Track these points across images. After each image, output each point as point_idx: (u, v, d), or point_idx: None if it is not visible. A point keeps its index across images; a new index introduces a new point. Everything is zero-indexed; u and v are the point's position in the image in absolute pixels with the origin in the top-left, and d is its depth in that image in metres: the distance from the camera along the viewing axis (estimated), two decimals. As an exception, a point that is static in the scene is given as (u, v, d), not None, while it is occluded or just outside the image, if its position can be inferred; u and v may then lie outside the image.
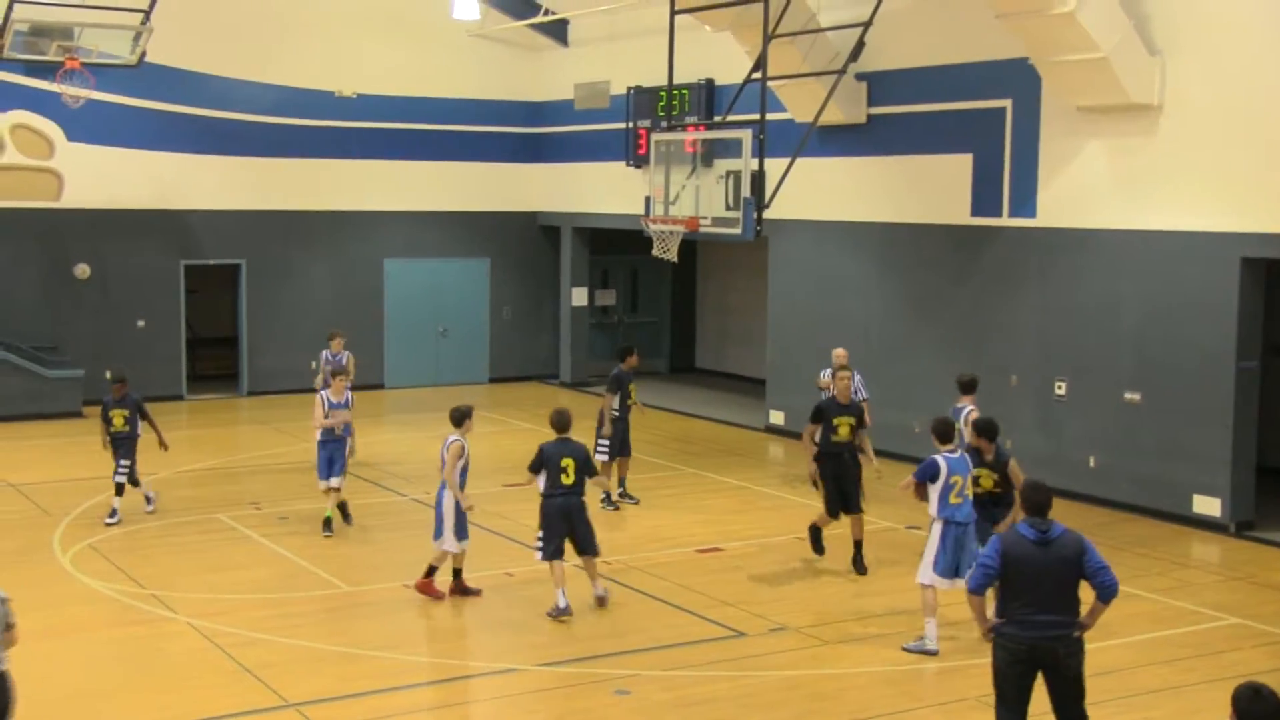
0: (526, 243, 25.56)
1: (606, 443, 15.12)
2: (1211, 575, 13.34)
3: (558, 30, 24.47)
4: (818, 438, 12.64)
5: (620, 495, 15.37)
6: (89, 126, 21.36)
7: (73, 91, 18.99)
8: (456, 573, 11.91)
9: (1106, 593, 7.61)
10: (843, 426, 12.65)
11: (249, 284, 23.15)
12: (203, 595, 11.87)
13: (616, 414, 15.24)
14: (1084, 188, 15.76)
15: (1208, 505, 14.63)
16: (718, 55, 19.68)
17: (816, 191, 18.80)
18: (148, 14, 19.17)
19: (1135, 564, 13.26)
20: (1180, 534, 14.54)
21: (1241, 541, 14.27)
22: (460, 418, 11.64)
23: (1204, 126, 14.47)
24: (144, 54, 19.70)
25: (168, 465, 16.85)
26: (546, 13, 23.54)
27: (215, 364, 24.15)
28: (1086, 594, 7.72)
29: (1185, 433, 14.80)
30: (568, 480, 11.28)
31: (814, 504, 13.67)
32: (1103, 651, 9.88)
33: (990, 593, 7.89)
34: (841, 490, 12.67)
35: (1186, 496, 14.80)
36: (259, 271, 23.18)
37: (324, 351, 17.19)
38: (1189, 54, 14.53)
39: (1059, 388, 16.03)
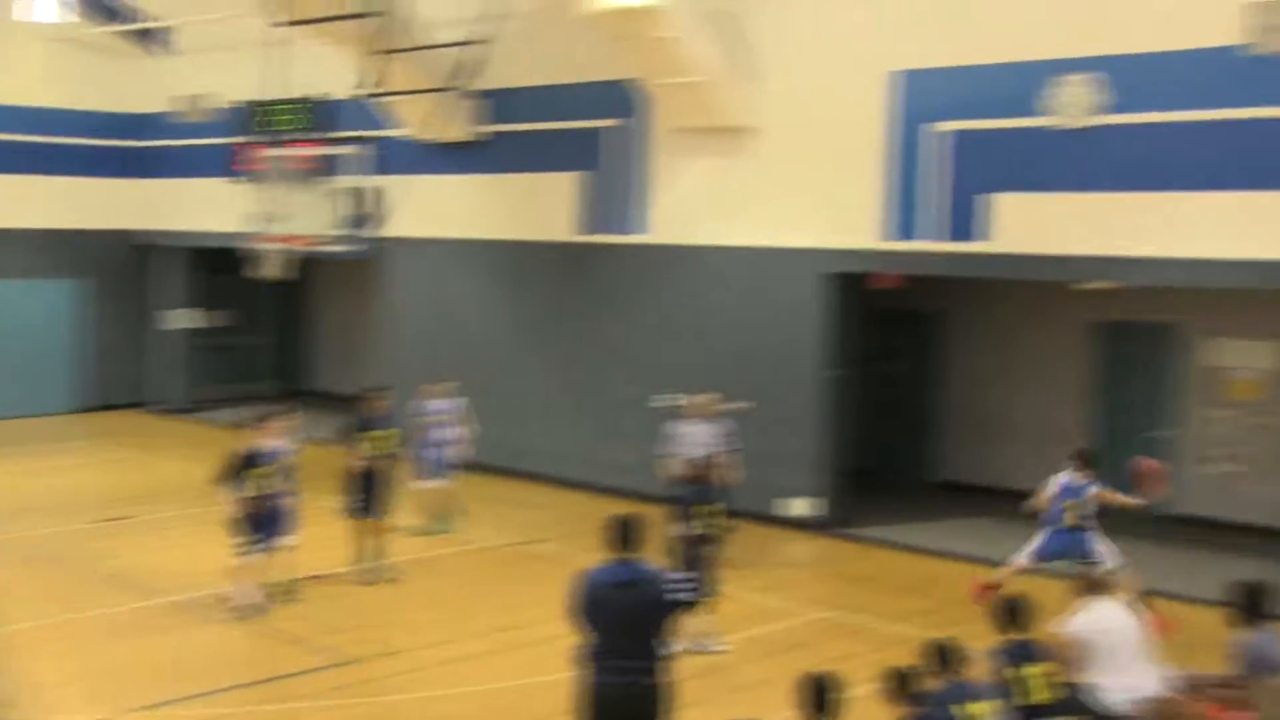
0: (121, 263, 23.96)
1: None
2: (804, 572, 14.17)
3: (159, 39, 23.25)
4: None
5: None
6: None
7: None
8: None
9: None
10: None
11: None
12: None
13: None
14: (688, 206, 16.48)
15: (799, 506, 15.54)
16: (330, 70, 19.14)
17: (434, 209, 18.70)
18: None
19: (733, 567, 13.90)
20: (774, 535, 15.29)
21: (831, 540, 15.23)
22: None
23: (790, 148, 15.44)
24: None
25: None
26: (143, 19, 22.31)
27: None
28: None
29: (777, 438, 15.61)
30: None
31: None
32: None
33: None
34: None
35: (780, 498, 15.65)
36: None
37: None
38: (780, 79, 15.47)
39: (662, 401, 16.50)
